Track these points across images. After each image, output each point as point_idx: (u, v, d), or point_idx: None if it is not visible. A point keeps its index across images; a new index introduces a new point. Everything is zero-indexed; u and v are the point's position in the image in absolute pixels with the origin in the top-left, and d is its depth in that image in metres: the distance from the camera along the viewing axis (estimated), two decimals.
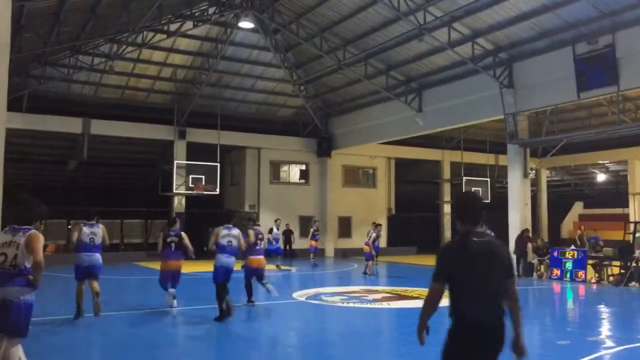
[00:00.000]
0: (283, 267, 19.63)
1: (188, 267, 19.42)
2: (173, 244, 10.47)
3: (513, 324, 3.55)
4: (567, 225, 34.26)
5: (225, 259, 9.63)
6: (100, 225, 9.67)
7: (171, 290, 10.61)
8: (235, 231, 9.97)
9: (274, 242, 20.33)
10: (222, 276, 9.54)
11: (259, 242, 11.31)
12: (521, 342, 3.55)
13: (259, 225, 23.03)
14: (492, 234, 14.14)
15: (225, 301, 9.44)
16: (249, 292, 11.28)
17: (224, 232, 9.80)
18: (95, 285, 9.30)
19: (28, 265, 5.04)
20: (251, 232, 11.08)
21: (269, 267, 19.65)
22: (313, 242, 22.29)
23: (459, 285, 3.49)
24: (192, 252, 10.76)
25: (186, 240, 10.61)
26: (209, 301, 11.47)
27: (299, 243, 25.27)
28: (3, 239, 5.07)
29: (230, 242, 9.77)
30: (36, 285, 5.06)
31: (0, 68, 2.32)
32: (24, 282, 4.98)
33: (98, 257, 9.46)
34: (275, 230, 20.70)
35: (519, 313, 3.58)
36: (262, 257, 11.35)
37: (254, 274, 11.20)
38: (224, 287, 9.53)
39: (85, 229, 9.50)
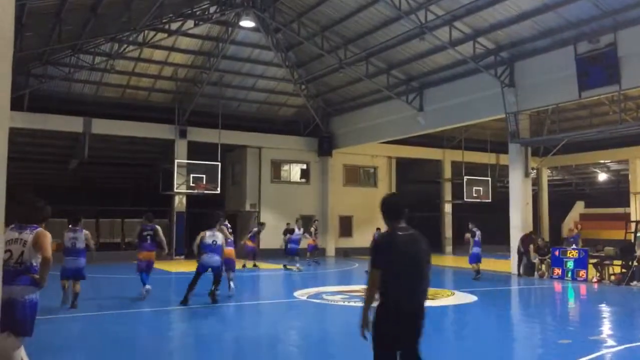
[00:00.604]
0: (289, 268, 19.34)
1: (187, 267, 19.46)
2: (149, 237, 11.58)
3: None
4: (568, 225, 34.21)
5: (207, 258, 10.96)
6: (84, 231, 10.44)
7: (147, 286, 11.53)
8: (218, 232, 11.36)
9: (290, 243, 19.70)
10: (201, 269, 10.97)
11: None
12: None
13: (261, 225, 22.64)
14: (480, 234, 13.99)
15: (192, 291, 10.87)
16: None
17: (209, 233, 11.11)
18: (77, 287, 10.27)
19: (35, 263, 4.99)
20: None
21: (275, 267, 19.81)
22: (312, 241, 22.22)
23: (390, 270, 4.08)
24: (166, 244, 12.03)
25: (160, 235, 11.76)
26: (207, 300, 11.47)
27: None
28: (8, 236, 4.97)
29: (215, 241, 11.07)
30: (42, 284, 5.02)
31: (3, 63, 2.28)
32: (29, 280, 4.94)
33: (82, 261, 10.23)
34: (297, 230, 20.07)
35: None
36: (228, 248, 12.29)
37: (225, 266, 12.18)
38: (198, 279, 10.93)
39: (68, 234, 10.25)
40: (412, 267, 4.15)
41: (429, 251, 4.36)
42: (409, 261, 4.14)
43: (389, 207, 4.40)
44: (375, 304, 4.18)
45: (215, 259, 10.94)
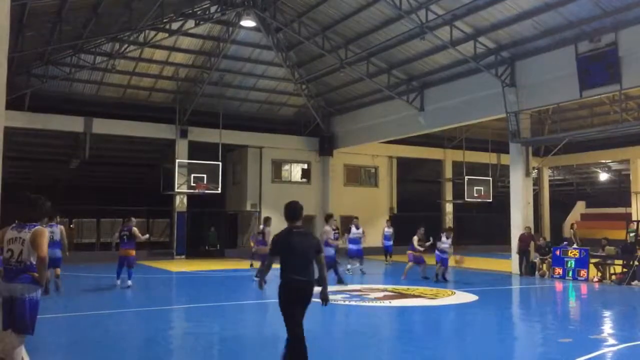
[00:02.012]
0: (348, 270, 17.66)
1: (188, 267, 19.47)
2: (125, 237, 13.34)
3: (322, 283, 5.82)
4: (569, 225, 34.21)
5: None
6: (59, 226, 12.07)
7: (128, 282, 13.38)
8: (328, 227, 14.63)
9: (348, 243, 18.26)
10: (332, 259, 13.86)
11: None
12: (325, 293, 5.78)
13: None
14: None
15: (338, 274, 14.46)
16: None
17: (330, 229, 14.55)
18: (58, 271, 12.02)
19: (33, 261, 5.04)
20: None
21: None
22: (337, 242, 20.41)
23: (285, 258, 5.65)
24: (142, 239, 13.65)
25: (137, 234, 13.36)
26: (209, 301, 11.49)
27: None
28: (10, 236, 5.11)
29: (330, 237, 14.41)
30: (42, 283, 5.05)
31: None
32: (29, 279, 4.98)
33: (58, 252, 11.86)
34: (354, 229, 18.33)
35: (325, 275, 5.89)
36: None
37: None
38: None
39: (46, 229, 11.04)
40: (301, 255, 5.64)
41: (317, 244, 5.84)
42: (299, 251, 5.63)
43: (288, 211, 5.85)
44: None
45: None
